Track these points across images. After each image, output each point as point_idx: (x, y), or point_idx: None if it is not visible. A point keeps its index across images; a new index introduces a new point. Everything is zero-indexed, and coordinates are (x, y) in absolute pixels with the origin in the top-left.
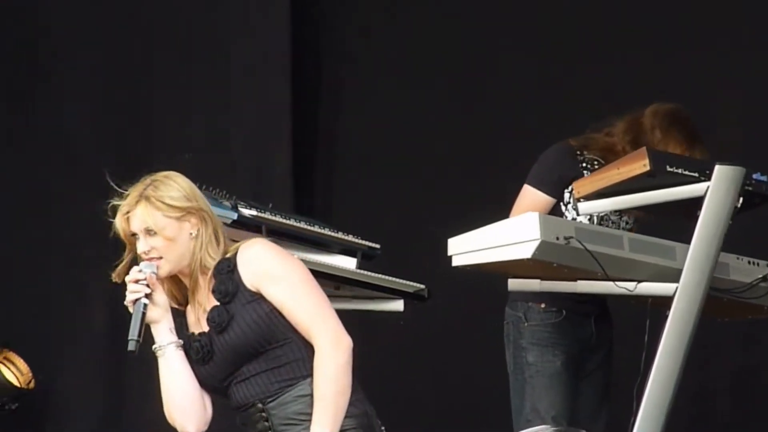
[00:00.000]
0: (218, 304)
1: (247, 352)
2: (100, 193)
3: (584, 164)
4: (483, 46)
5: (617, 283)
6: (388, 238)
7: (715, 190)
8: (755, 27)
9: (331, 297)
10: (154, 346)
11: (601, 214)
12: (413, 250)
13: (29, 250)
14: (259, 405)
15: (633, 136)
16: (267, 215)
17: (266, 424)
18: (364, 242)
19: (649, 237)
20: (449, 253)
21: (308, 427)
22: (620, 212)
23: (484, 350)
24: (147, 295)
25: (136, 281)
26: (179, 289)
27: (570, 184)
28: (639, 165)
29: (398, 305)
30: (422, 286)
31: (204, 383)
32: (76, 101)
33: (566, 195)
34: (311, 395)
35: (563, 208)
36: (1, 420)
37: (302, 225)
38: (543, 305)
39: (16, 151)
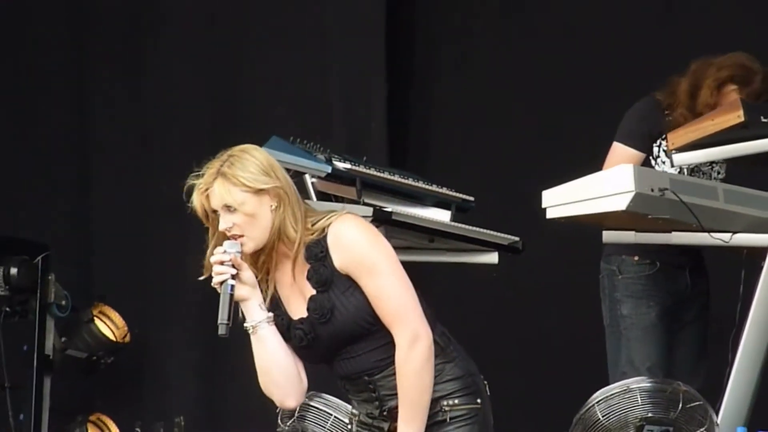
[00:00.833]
0: (315, 292)
1: (352, 337)
2: (194, 148)
3: (670, 118)
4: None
5: (712, 234)
6: (482, 191)
7: None
8: None
9: (425, 249)
10: (245, 324)
11: (692, 166)
12: (507, 202)
13: (124, 204)
14: (366, 378)
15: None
16: (361, 168)
17: (372, 395)
18: (458, 195)
19: (744, 188)
20: (543, 205)
21: None
22: (711, 164)
23: (580, 303)
24: (233, 276)
25: (221, 262)
26: (257, 260)
27: (658, 138)
28: (733, 116)
29: (492, 257)
30: (516, 239)
31: (304, 359)
32: (178, 61)
33: (655, 149)
34: None
35: (652, 161)
36: (97, 374)
37: (396, 178)
38: (636, 258)
39: (119, 109)
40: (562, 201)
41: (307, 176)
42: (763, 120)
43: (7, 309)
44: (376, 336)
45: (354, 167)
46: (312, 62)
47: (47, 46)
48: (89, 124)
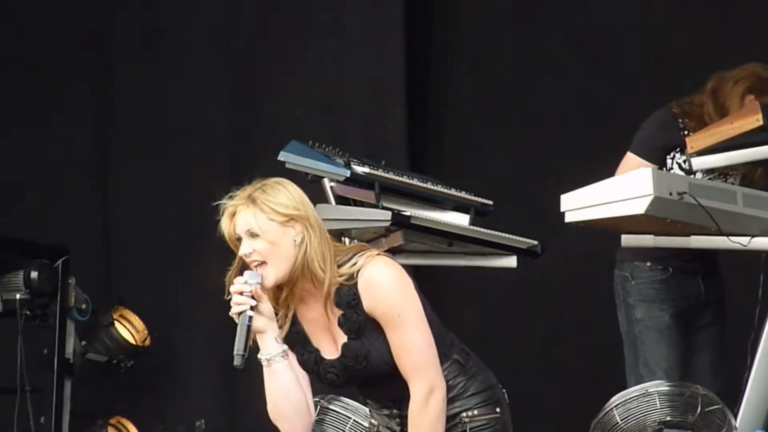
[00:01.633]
0: (347, 339)
1: (385, 376)
2: (215, 151)
3: (685, 131)
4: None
5: (731, 238)
6: (501, 194)
7: None
8: None
9: (444, 253)
10: (260, 356)
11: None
12: (526, 206)
13: (145, 207)
14: (391, 402)
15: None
16: (380, 172)
17: (395, 411)
18: (477, 198)
19: (763, 192)
20: (562, 209)
21: None
22: (726, 176)
23: (599, 307)
24: (252, 307)
25: (241, 293)
26: (279, 295)
27: (672, 150)
28: (752, 120)
29: (511, 261)
30: (535, 242)
31: (329, 386)
32: (199, 61)
33: (668, 161)
34: None
35: (666, 171)
36: (117, 377)
37: (415, 182)
38: (649, 264)
39: (138, 112)
40: (580, 205)
41: (325, 180)
42: None
43: (28, 312)
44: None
45: (373, 171)
46: (331, 65)
47: (67, 43)
48: (108, 128)
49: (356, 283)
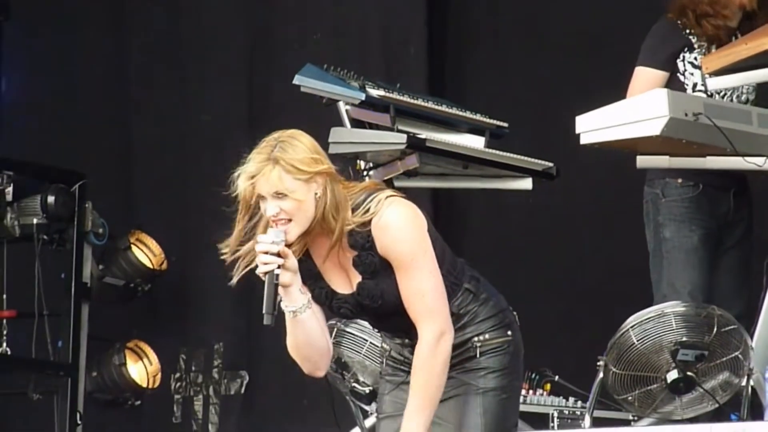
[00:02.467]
0: (361, 278)
1: (397, 313)
2: (233, 76)
3: (686, 31)
4: None
5: (746, 158)
6: (516, 117)
7: None
8: None
9: (459, 176)
10: (285, 308)
11: (721, 93)
12: (541, 128)
13: (163, 132)
14: (403, 333)
15: None
16: (395, 95)
17: (406, 340)
18: (492, 121)
19: None
20: (577, 131)
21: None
22: (739, 92)
23: (614, 228)
24: (279, 265)
25: (267, 252)
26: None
27: (680, 53)
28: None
29: (527, 183)
30: (550, 164)
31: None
32: None
33: (680, 64)
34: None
35: (680, 77)
36: (134, 301)
37: (430, 104)
38: (680, 180)
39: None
40: (596, 126)
41: (340, 104)
42: None
43: (45, 237)
44: None
45: (388, 94)
46: None
47: None
48: (129, 53)
49: (370, 227)
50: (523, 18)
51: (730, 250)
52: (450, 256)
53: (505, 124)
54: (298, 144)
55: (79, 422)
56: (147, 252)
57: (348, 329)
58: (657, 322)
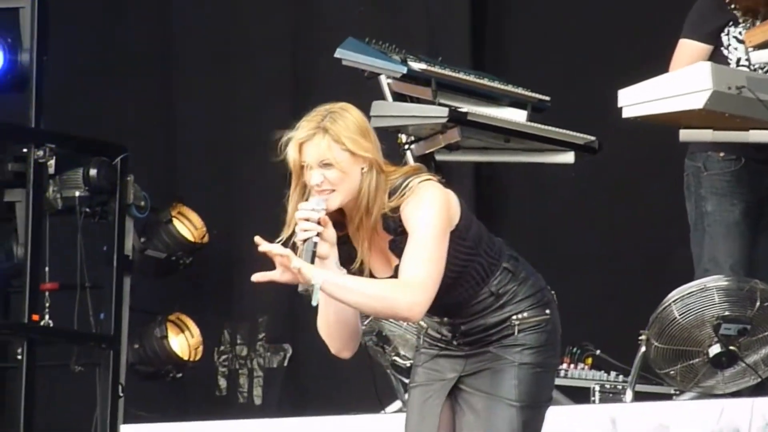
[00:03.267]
0: (399, 262)
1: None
2: (276, 50)
3: (732, 5)
4: None
5: None
6: (558, 91)
7: None
8: None
9: (501, 150)
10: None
11: (764, 68)
12: (584, 102)
13: (205, 105)
14: (443, 311)
15: None
16: (436, 68)
17: (445, 319)
18: (534, 94)
19: None
20: (620, 105)
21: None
22: None
23: (655, 202)
24: (318, 233)
25: (308, 219)
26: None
27: (725, 27)
28: None
29: (568, 157)
30: (593, 138)
31: None
32: None
33: (724, 38)
34: (483, 305)
35: (724, 51)
36: (175, 274)
37: (472, 78)
38: (722, 154)
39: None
40: (638, 100)
41: (382, 77)
42: None
43: (87, 210)
44: (459, 281)
45: (429, 67)
46: None
47: None
48: (172, 26)
49: (399, 214)
50: None
51: None
52: (487, 236)
53: (547, 98)
54: (348, 117)
55: (120, 394)
56: (188, 225)
57: None
58: (699, 297)
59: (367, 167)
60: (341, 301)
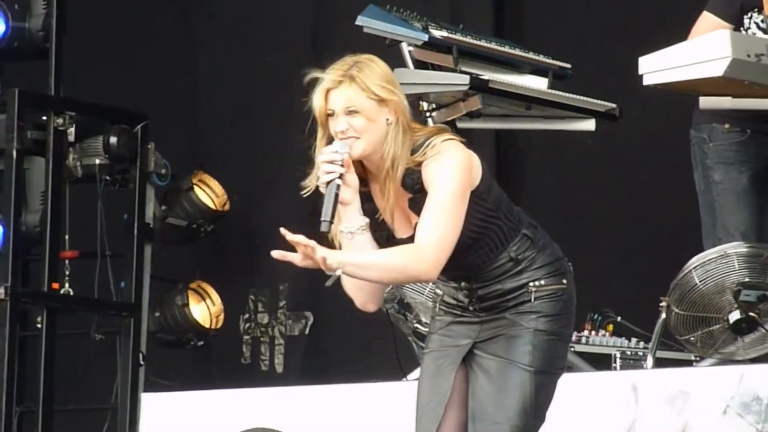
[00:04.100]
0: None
1: (453, 255)
2: (297, 20)
3: None
4: None
5: None
6: (579, 58)
7: None
8: None
9: (522, 117)
10: (342, 228)
11: None
12: (604, 70)
13: (227, 73)
14: (462, 274)
15: None
16: (458, 36)
17: (463, 284)
18: (555, 62)
19: None
20: (640, 72)
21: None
22: None
23: (677, 170)
24: (341, 176)
25: (331, 162)
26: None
27: (750, 10)
28: None
29: (589, 124)
30: (613, 105)
31: None
32: None
33: (746, 21)
34: (502, 267)
35: (744, 34)
36: (197, 242)
37: (493, 45)
38: (727, 125)
39: None
40: (658, 67)
41: (403, 45)
42: None
43: (108, 178)
44: (479, 243)
45: (450, 35)
46: None
47: None
48: None
49: (420, 172)
50: None
51: None
52: (507, 202)
53: (568, 65)
54: (375, 67)
55: (141, 362)
56: (209, 193)
57: None
58: (719, 263)
59: (393, 118)
60: (363, 279)
